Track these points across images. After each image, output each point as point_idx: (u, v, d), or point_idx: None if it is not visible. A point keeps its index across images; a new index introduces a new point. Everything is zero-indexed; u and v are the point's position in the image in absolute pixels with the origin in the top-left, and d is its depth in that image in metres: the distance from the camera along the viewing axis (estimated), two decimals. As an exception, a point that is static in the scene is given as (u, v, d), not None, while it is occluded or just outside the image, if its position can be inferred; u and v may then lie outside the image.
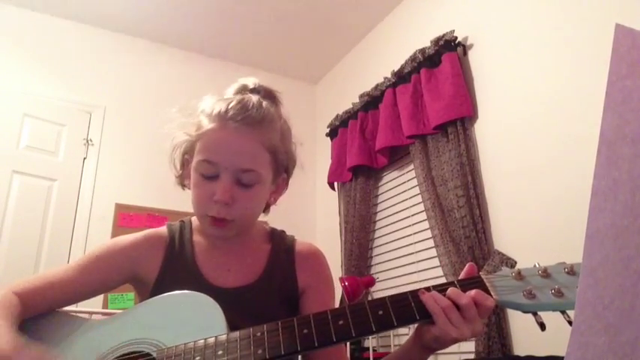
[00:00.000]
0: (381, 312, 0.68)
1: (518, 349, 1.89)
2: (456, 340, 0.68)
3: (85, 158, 3.04)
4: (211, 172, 0.84)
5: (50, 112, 2.99)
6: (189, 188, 0.92)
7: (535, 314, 0.68)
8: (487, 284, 0.70)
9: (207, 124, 0.85)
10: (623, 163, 0.40)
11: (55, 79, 3.08)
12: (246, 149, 0.84)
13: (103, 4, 3.11)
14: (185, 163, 0.92)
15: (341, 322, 0.67)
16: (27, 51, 3.04)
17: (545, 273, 0.69)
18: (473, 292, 0.68)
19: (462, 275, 0.74)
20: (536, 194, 1.99)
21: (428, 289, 0.70)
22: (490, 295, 0.69)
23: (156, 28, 3.36)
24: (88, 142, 3.06)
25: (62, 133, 2.99)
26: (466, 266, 0.75)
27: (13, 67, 2.97)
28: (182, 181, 0.94)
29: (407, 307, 0.68)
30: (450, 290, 0.69)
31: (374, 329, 0.67)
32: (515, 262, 2.01)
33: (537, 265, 0.71)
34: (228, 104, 0.85)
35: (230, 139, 0.84)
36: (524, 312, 0.68)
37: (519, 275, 0.70)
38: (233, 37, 3.45)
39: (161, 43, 3.49)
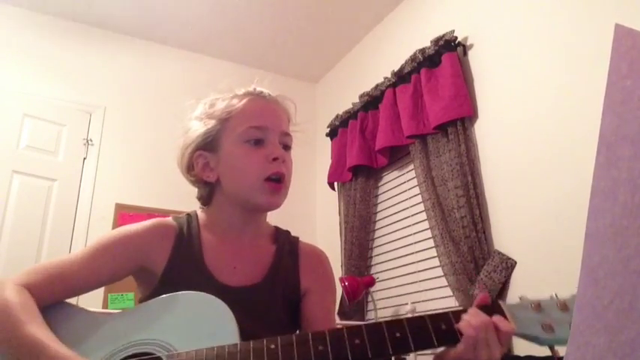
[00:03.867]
0: (398, 334, 0.66)
1: (518, 349, 1.89)
2: None
3: (85, 158, 3.04)
4: (259, 137, 0.90)
5: (50, 112, 2.99)
6: (209, 181, 0.93)
7: (552, 348, 0.68)
8: (507, 314, 0.69)
9: (242, 100, 0.93)
10: (622, 163, 0.40)
11: (55, 79, 3.08)
12: (284, 115, 0.97)
13: (103, 5, 3.11)
14: (196, 159, 0.93)
15: (357, 342, 0.66)
16: (27, 51, 3.04)
17: (565, 306, 0.68)
18: (494, 316, 0.68)
19: (475, 303, 0.73)
20: (536, 194, 1.99)
21: (447, 314, 0.69)
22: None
23: (156, 28, 3.35)
24: (88, 142, 3.06)
25: (62, 133, 2.99)
26: (479, 296, 0.74)
27: (13, 67, 2.97)
28: (202, 175, 0.93)
29: (425, 332, 0.67)
30: (471, 310, 0.69)
31: (390, 352, 0.66)
32: (515, 263, 2.01)
33: (555, 297, 0.70)
34: (254, 87, 0.97)
35: (271, 105, 0.96)
36: (541, 345, 0.68)
37: (538, 307, 0.69)
38: (233, 37, 3.45)
39: (161, 43, 3.49)
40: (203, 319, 0.74)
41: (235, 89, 0.96)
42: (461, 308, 0.72)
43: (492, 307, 0.70)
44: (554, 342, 0.67)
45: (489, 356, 0.66)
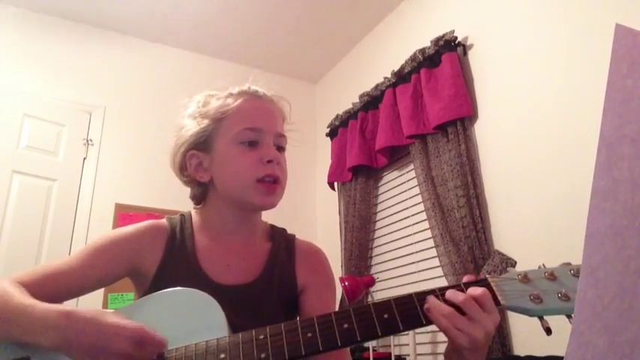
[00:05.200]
0: (386, 315, 0.66)
1: (518, 349, 1.89)
2: (473, 345, 0.64)
3: (85, 158, 3.04)
4: (254, 138, 0.89)
5: (50, 112, 2.99)
6: (202, 181, 0.92)
7: (541, 319, 0.67)
8: (494, 288, 0.68)
9: (237, 100, 0.92)
10: (623, 163, 0.40)
11: (55, 79, 3.07)
12: (279, 116, 0.96)
13: (102, 5, 3.11)
14: (189, 159, 0.92)
15: (346, 326, 0.66)
16: (27, 51, 3.04)
17: (552, 276, 0.68)
18: (470, 289, 0.67)
19: (464, 280, 0.71)
20: (536, 194, 1.99)
21: (434, 291, 0.68)
22: (497, 299, 0.67)
23: (156, 28, 3.35)
24: (88, 142, 3.06)
25: (62, 133, 2.99)
26: (464, 278, 0.72)
27: (13, 67, 2.97)
28: (195, 175, 0.93)
29: (413, 311, 0.67)
30: (448, 292, 0.68)
31: (379, 333, 0.66)
32: (515, 262, 2.00)
33: (543, 267, 0.70)
34: (249, 86, 0.95)
35: (266, 105, 0.94)
36: (531, 316, 0.67)
37: (526, 278, 0.68)
38: (233, 37, 3.45)
39: (161, 43, 3.49)
40: (192, 314, 0.74)
41: (230, 88, 0.95)
42: (452, 285, 0.71)
43: (479, 282, 0.70)
44: (542, 312, 0.66)
45: (484, 329, 0.64)
